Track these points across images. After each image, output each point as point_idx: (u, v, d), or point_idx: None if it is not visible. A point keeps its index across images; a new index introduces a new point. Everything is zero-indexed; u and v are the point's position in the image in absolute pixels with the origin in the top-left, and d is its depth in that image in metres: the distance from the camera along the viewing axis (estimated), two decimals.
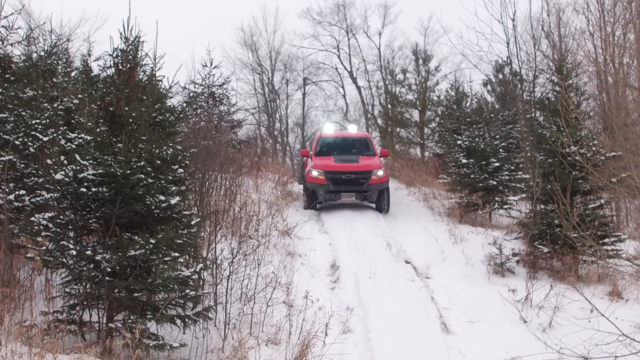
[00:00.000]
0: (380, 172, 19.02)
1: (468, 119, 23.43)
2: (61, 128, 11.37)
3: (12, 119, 10.05)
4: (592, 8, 24.58)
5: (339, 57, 41.37)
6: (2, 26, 10.56)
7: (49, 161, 9.64)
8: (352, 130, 23.06)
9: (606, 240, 14.22)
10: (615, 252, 13.93)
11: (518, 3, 46.12)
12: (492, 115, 24.85)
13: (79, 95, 13.10)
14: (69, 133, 11.62)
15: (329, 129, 22.08)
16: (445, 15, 50.79)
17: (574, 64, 20.77)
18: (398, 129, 31.13)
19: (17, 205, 9.81)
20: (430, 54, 32.97)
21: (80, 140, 11.23)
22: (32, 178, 10.34)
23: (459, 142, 20.98)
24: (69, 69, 18.30)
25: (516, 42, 27.25)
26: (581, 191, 14.60)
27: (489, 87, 31.03)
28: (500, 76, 30.06)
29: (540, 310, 12.03)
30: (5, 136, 9.89)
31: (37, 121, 10.37)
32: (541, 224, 14.89)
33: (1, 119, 9.89)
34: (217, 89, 23.88)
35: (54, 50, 17.44)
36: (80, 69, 19.40)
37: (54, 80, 13.20)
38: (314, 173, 18.93)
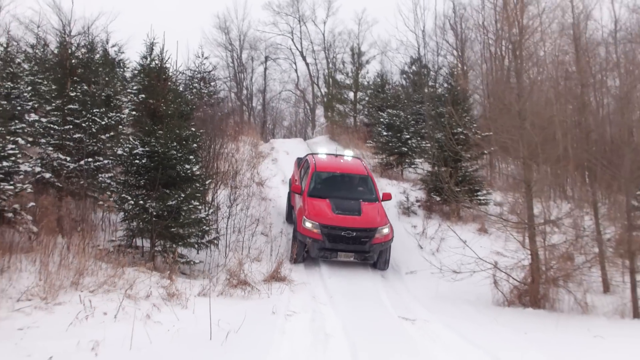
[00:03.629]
0: (386, 230, 12.16)
1: (388, 103, 24.22)
2: (104, 108, 11.95)
3: (80, 108, 11.09)
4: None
5: (292, 40, 41.88)
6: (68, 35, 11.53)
7: (109, 141, 10.79)
8: (348, 157, 15.20)
9: (479, 193, 15.67)
10: (485, 201, 15.48)
11: (427, 20, 50.38)
12: (406, 101, 25.57)
13: (117, 85, 13.92)
14: (110, 112, 12.34)
15: (323, 155, 15.17)
16: (375, 8, 52.38)
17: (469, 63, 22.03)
18: (337, 105, 32.02)
19: (84, 168, 10.91)
20: (363, 50, 33.87)
21: (117, 118, 12.03)
22: (93, 148, 11.36)
23: (381, 119, 21.58)
24: (91, 56, 18.35)
25: (425, 46, 29.39)
26: (464, 159, 15.83)
27: (404, 75, 32.05)
28: (414, 68, 31.20)
29: (432, 240, 13.42)
30: (76, 121, 11.04)
31: (97, 110, 11.36)
32: (436, 181, 15.91)
33: (73, 109, 11.01)
34: (207, 74, 24.62)
35: (86, 45, 17.58)
36: (100, 54, 19.35)
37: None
38: (308, 225, 11.99)
